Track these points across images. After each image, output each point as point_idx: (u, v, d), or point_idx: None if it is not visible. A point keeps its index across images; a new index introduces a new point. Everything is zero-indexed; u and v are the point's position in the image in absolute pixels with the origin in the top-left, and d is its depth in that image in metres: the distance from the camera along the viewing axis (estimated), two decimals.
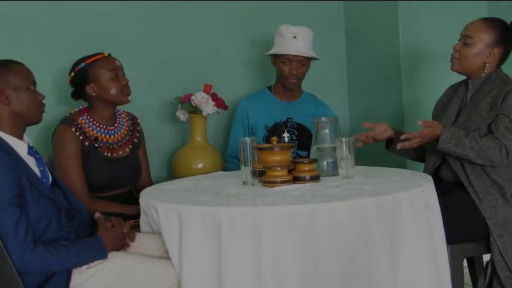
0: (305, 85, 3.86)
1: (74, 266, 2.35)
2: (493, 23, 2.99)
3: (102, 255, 2.41)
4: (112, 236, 2.51)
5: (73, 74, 3.18)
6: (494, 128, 2.86)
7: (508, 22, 3.00)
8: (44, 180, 2.44)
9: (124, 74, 3.22)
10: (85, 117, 3.16)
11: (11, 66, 2.47)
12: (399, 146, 2.94)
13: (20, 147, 2.42)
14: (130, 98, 3.22)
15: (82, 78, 3.15)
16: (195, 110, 3.59)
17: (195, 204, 2.41)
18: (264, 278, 2.22)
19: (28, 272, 2.25)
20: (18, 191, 2.27)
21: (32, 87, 2.50)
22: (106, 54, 3.19)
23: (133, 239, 2.60)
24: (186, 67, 3.97)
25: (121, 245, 2.56)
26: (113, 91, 3.14)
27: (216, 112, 3.66)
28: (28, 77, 2.50)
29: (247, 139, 2.73)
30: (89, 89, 3.14)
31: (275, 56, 3.73)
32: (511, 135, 2.82)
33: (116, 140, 3.22)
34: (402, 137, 2.94)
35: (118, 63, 3.20)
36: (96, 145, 3.13)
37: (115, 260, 2.43)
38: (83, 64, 3.15)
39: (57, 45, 3.56)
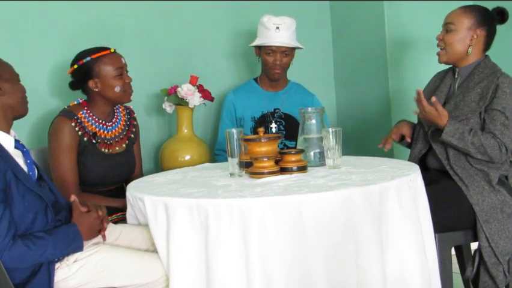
0: (292, 75, 3.86)
1: (52, 257, 2.31)
2: (471, 7, 3.05)
3: (77, 242, 2.37)
4: (87, 221, 2.45)
5: (76, 66, 3.11)
6: (490, 125, 2.85)
7: (492, 8, 3.03)
8: (30, 173, 2.42)
9: (127, 72, 3.16)
10: (84, 111, 3.10)
11: None
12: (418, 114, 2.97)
13: (7, 141, 2.40)
14: (131, 98, 3.18)
15: (85, 72, 3.09)
16: (181, 102, 3.57)
17: (182, 196, 2.40)
18: (252, 269, 2.22)
19: (6, 268, 2.20)
20: (4, 186, 2.25)
21: (19, 80, 2.51)
22: (112, 50, 3.13)
23: (107, 221, 2.55)
24: (172, 59, 3.96)
25: (98, 230, 2.50)
26: (117, 89, 3.09)
27: (203, 104, 3.65)
28: (14, 70, 2.50)
29: (234, 130, 2.72)
30: (92, 84, 3.08)
31: (259, 47, 3.72)
32: (509, 132, 2.84)
33: (113, 136, 3.18)
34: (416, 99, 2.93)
35: (123, 61, 3.15)
36: (94, 141, 3.09)
37: (102, 253, 2.42)
38: (88, 58, 3.08)
39: (47, 38, 3.55)
